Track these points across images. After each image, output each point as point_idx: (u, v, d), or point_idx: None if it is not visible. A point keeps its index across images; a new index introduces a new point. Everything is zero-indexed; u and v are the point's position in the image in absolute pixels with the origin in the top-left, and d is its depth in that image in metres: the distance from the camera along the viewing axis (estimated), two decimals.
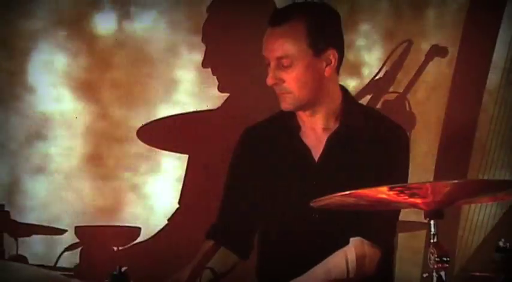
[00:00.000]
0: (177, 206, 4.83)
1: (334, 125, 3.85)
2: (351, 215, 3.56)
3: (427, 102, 5.15)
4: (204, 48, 4.79)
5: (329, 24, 3.82)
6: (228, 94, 4.84)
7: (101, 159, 4.81)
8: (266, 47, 3.77)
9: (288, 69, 3.74)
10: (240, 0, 4.82)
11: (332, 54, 3.77)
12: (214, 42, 4.77)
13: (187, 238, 4.41)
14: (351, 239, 3.71)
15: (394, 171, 3.76)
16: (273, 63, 3.75)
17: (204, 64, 4.77)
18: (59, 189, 4.74)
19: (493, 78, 5.24)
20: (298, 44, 3.72)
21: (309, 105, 3.81)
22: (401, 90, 5.00)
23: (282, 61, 3.74)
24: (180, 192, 4.83)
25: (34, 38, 4.86)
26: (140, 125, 4.80)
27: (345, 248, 3.71)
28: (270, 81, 3.76)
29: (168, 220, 4.79)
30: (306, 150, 3.86)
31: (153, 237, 4.74)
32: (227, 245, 3.94)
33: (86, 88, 4.86)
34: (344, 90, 3.91)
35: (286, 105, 3.80)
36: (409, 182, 3.75)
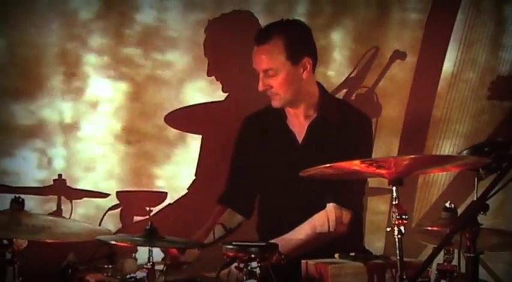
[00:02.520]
0: (194, 177, 4.78)
1: (313, 114, 3.92)
2: (329, 185, 3.60)
3: (393, 94, 5.10)
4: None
5: (302, 38, 3.89)
6: None
7: (136, 137, 4.76)
8: (254, 62, 3.85)
9: (273, 77, 3.82)
10: (230, 20, 4.71)
11: (307, 62, 3.84)
12: (214, 55, 4.69)
13: (202, 203, 4.39)
14: (328, 204, 3.77)
15: (360, 149, 3.81)
16: (261, 74, 3.83)
17: (209, 73, 4.70)
18: (104, 162, 4.68)
19: (446, 74, 5.18)
20: (278, 59, 3.80)
21: (293, 101, 3.89)
22: (370, 86, 4.98)
23: (268, 72, 3.81)
24: (196, 166, 4.79)
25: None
26: (168, 108, 4.77)
27: (326, 209, 3.77)
28: (260, 88, 3.85)
29: (188, 189, 4.75)
30: (291, 135, 3.94)
31: (175, 201, 4.71)
32: (234, 208, 4.03)
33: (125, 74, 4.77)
34: (320, 86, 3.97)
35: (275, 103, 3.89)
36: (373, 157, 3.83)
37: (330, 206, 3.78)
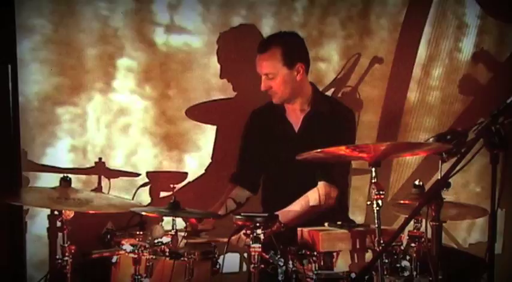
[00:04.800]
0: (210, 160, 4.73)
1: (307, 108, 3.92)
2: (320, 166, 3.64)
3: (372, 92, 5.06)
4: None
5: (296, 47, 3.89)
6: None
7: (162, 129, 4.65)
8: (257, 67, 3.87)
9: (272, 80, 3.83)
10: (238, 33, 4.66)
11: (300, 66, 3.84)
12: (226, 62, 4.63)
13: (217, 181, 4.38)
14: (319, 182, 3.78)
15: (346, 137, 3.81)
16: (263, 77, 3.84)
17: (221, 76, 4.63)
18: (137, 146, 4.59)
19: (416, 74, 5.14)
20: (276, 65, 3.81)
21: (290, 99, 3.90)
22: (353, 85, 4.94)
23: (268, 75, 3.83)
24: (212, 151, 4.73)
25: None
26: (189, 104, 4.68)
27: (318, 187, 3.78)
28: (263, 88, 3.86)
29: (205, 170, 4.70)
30: (289, 125, 3.95)
31: (195, 180, 4.66)
32: (243, 185, 4.03)
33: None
34: (313, 85, 3.98)
35: (275, 100, 3.90)
36: (356, 143, 3.82)
37: (321, 184, 3.79)
